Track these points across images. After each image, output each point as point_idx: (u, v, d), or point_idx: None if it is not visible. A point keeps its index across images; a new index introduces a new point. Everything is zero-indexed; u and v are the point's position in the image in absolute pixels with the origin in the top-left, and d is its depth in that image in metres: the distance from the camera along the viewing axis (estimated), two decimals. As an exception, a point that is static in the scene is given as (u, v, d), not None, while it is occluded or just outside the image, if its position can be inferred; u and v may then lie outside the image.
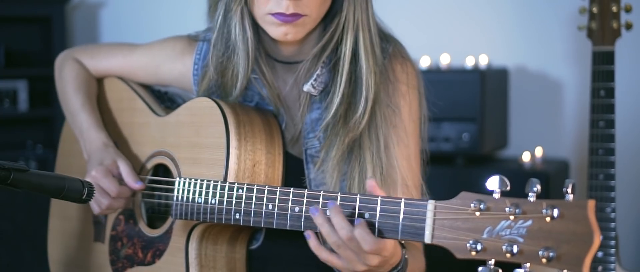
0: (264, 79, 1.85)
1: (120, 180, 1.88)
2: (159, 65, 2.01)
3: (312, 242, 1.55)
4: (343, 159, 1.79)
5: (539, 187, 1.21)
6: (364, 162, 1.78)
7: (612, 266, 2.51)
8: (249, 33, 1.81)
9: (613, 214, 2.50)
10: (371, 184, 1.52)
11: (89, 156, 1.95)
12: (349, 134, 1.78)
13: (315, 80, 1.82)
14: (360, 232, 1.46)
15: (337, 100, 1.79)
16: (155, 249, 1.84)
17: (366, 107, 1.79)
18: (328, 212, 1.50)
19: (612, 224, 2.50)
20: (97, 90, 2.09)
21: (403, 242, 1.59)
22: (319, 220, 1.52)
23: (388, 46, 1.86)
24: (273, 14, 1.74)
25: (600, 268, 2.53)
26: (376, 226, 1.46)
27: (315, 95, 1.83)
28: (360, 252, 1.49)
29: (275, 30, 1.76)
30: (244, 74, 1.83)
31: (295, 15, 1.73)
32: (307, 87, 1.82)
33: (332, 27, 1.80)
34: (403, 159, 1.81)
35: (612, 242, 2.51)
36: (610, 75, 2.53)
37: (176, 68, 1.98)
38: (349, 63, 1.80)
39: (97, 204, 1.87)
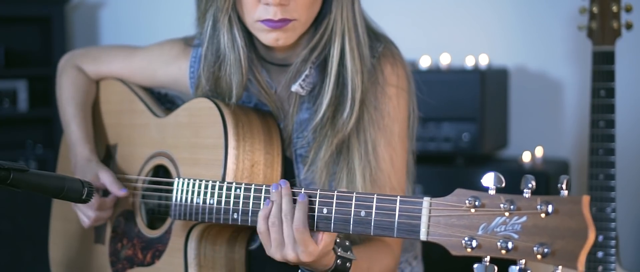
0: (258, 84, 1.85)
1: (105, 191, 1.90)
2: (155, 70, 2.03)
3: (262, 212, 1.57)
4: (331, 160, 1.79)
5: (533, 183, 1.21)
6: (352, 163, 1.78)
7: (613, 266, 2.51)
8: (240, 41, 1.81)
9: (613, 214, 2.50)
10: None
11: (74, 169, 1.98)
12: (338, 135, 1.78)
13: (303, 80, 1.82)
14: (298, 210, 1.50)
15: (325, 102, 1.79)
16: (155, 249, 1.84)
17: (353, 108, 1.78)
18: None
19: (612, 224, 2.50)
20: (93, 97, 2.10)
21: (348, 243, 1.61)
22: (273, 196, 1.55)
23: (378, 45, 1.86)
24: (262, 21, 1.74)
25: (600, 268, 2.52)
26: (315, 219, 1.50)
27: (304, 96, 1.83)
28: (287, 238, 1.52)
29: (266, 37, 1.76)
30: (238, 82, 1.82)
31: (284, 21, 1.73)
32: (295, 88, 1.82)
33: (322, 28, 1.80)
34: (389, 162, 1.81)
35: (612, 242, 2.50)
36: (610, 75, 2.52)
37: (172, 72, 1.99)
38: (337, 64, 1.79)
39: (86, 217, 1.91)
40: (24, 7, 4.12)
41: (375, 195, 1.43)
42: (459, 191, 1.29)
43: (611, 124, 2.51)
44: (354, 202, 1.46)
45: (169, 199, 1.82)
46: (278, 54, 1.86)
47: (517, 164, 3.35)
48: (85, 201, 1.60)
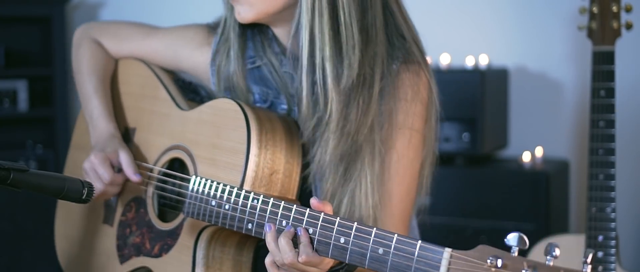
0: (275, 72, 1.85)
1: (119, 169, 1.89)
2: (178, 53, 2.00)
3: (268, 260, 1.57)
4: (336, 155, 1.76)
5: (557, 251, 1.20)
6: (360, 186, 1.74)
7: (612, 266, 2.52)
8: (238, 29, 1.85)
9: (613, 214, 2.51)
10: (314, 203, 1.52)
11: (95, 143, 1.96)
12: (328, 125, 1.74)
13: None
14: (283, 245, 1.50)
15: (303, 95, 1.76)
16: (164, 243, 1.83)
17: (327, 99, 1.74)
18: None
19: (612, 224, 2.50)
20: (112, 71, 2.09)
21: None
22: (268, 238, 1.55)
23: (397, 54, 1.82)
24: None
25: (600, 268, 2.53)
26: (314, 243, 1.49)
27: None
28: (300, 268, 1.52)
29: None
30: (233, 70, 1.86)
31: None
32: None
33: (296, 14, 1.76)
34: (391, 192, 1.77)
35: (612, 243, 2.51)
36: (610, 75, 2.53)
37: (194, 57, 1.97)
38: (308, 51, 1.75)
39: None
40: (24, 7, 4.12)
41: (395, 235, 1.40)
42: (482, 248, 1.27)
43: (611, 124, 2.51)
44: (372, 238, 1.43)
45: (183, 194, 1.81)
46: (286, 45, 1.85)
47: (517, 164, 3.36)
48: (85, 201, 1.59)
